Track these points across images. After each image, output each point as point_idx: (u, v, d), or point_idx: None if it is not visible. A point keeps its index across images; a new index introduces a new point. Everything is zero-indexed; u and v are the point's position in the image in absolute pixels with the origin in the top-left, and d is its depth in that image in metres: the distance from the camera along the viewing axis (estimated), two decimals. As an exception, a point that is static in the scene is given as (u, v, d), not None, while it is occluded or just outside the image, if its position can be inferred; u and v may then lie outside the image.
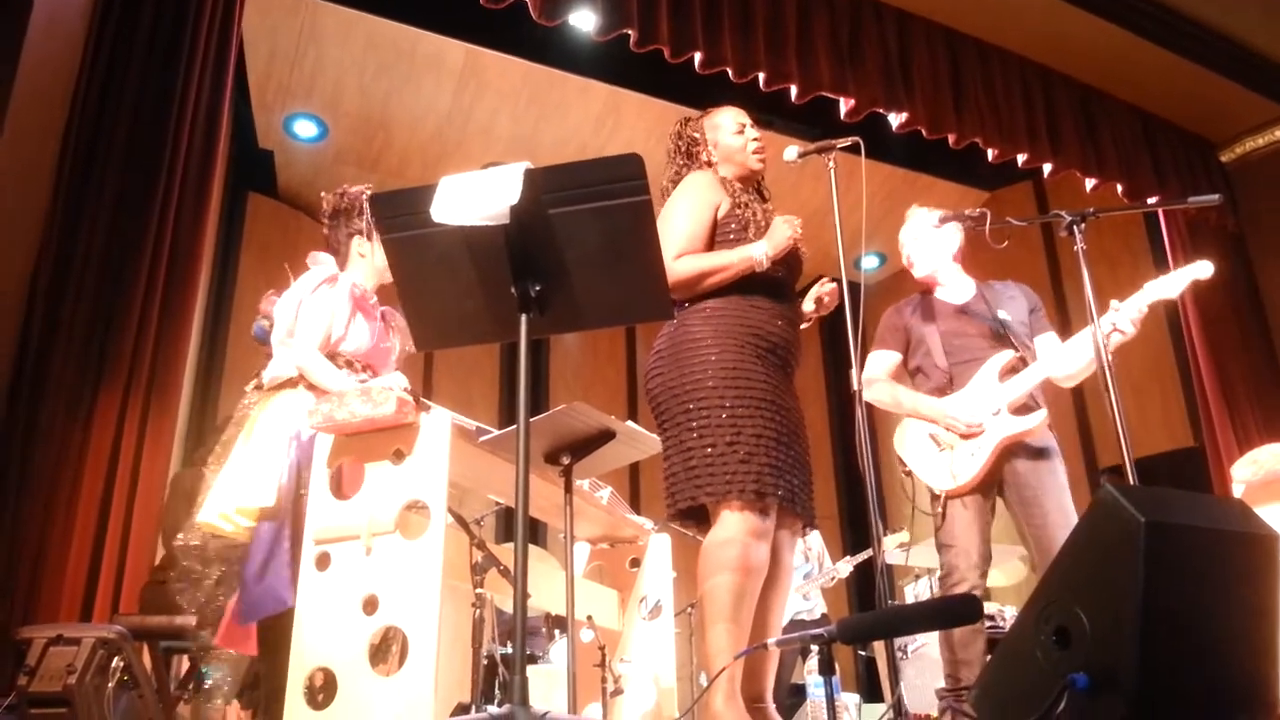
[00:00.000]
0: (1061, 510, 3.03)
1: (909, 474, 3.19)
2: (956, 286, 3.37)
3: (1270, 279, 6.21)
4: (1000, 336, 3.22)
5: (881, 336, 3.41)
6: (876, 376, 3.32)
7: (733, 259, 2.67)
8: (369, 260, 3.03)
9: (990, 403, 3.10)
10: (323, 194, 3.13)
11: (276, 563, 2.61)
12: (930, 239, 3.36)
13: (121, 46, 4.03)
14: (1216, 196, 3.05)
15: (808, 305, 2.89)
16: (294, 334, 2.83)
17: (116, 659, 2.74)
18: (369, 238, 2.99)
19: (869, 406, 3.02)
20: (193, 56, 4.14)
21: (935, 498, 3.09)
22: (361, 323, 2.94)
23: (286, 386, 2.82)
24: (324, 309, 2.85)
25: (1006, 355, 3.18)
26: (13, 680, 2.72)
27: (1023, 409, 3.10)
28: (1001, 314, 3.27)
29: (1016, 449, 3.08)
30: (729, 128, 2.90)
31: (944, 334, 3.26)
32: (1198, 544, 1.54)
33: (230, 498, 2.66)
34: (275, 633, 2.53)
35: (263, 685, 2.62)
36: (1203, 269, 3.07)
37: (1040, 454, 3.11)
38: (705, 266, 2.66)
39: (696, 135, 2.90)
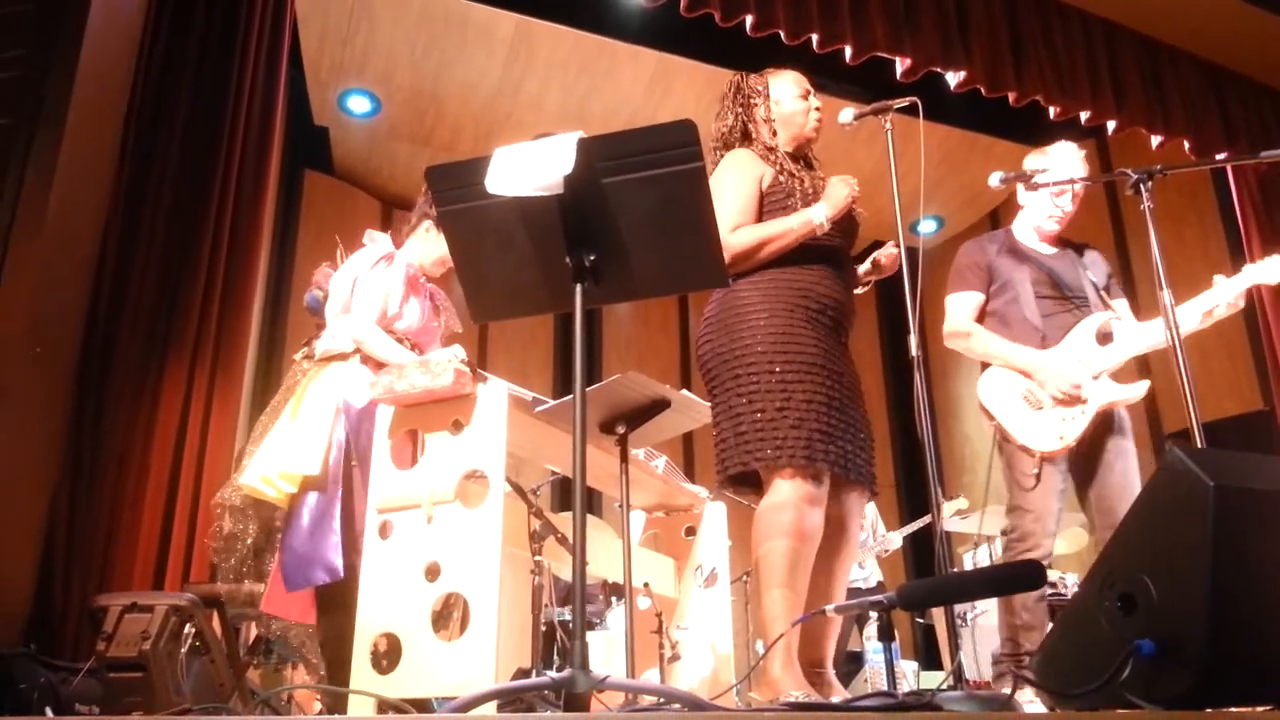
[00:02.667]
0: (1128, 476, 2.96)
1: (998, 430, 3.02)
2: (1046, 239, 3.25)
3: (1346, 235, 5.98)
4: (1087, 298, 3.12)
5: (961, 274, 3.21)
6: (963, 325, 3.14)
7: (792, 224, 2.65)
8: (428, 246, 3.07)
9: (1091, 365, 2.99)
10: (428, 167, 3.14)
11: (325, 531, 2.66)
12: (1041, 194, 3.20)
13: (178, 31, 4.10)
14: (1290, 150, 2.94)
15: (865, 266, 2.86)
16: (350, 309, 2.88)
17: (188, 625, 2.82)
18: (437, 225, 3.02)
19: (926, 372, 2.95)
20: (248, 37, 4.20)
21: (1029, 456, 2.95)
22: (414, 302, 2.99)
23: (338, 359, 2.87)
24: (381, 285, 2.90)
25: (1103, 316, 3.07)
26: (91, 645, 2.83)
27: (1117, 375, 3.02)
28: (1090, 275, 3.16)
29: (1103, 416, 2.99)
30: (793, 91, 2.87)
31: (1035, 283, 3.11)
32: (1268, 508, 1.50)
33: (274, 462, 2.72)
34: (333, 601, 2.59)
35: (324, 652, 2.68)
36: None
37: (1120, 422, 3.04)
38: (764, 235, 2.64)
39: (760, 88, 2.87)
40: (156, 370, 3.70)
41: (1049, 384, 2.98)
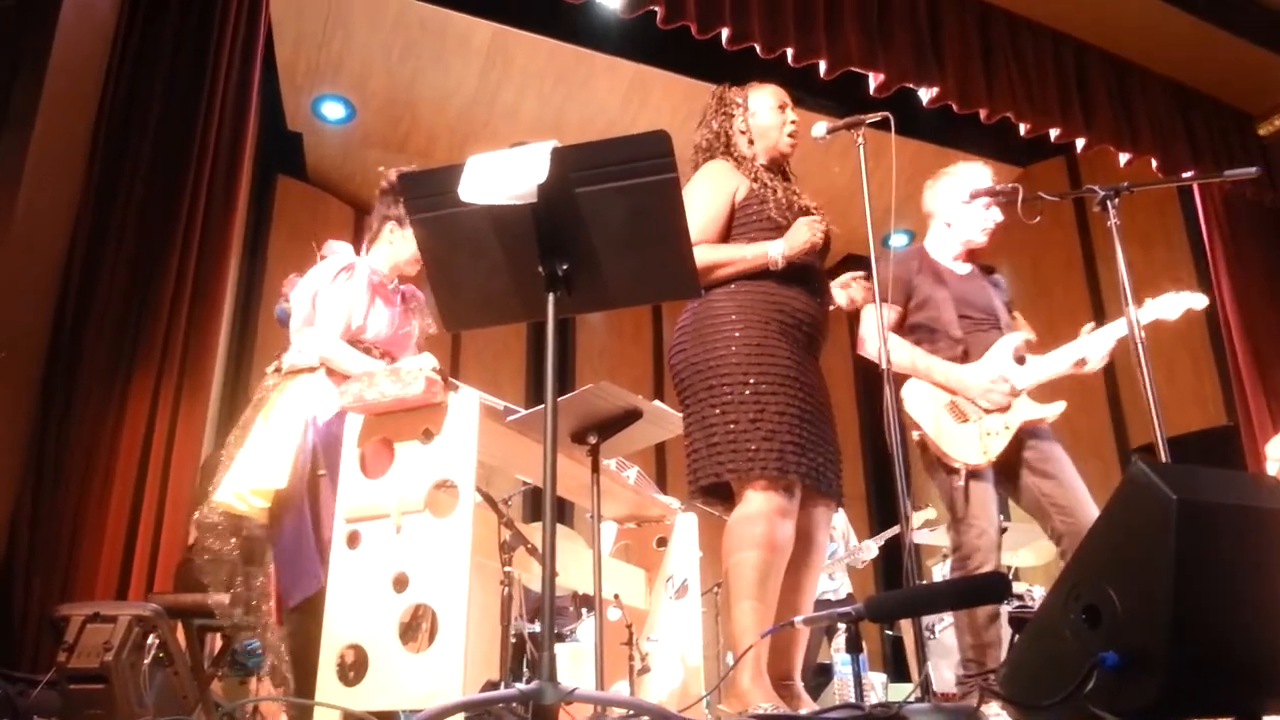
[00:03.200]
0: (1078, 481, 3.01)
1: (923, 442, 3.03)
2: (960, 258, 3.30)
3: (1309, 254, 6.09)
4: (999, 318, 3.18)
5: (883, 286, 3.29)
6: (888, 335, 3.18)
7: (746, 254, 2.67)
8: (395, 248, 3.04)
9: (1013, 383, 3.06)
10: (381, 169, 3.12)
11: (307, 543, 2.65)
12: (973, 207, 3.25)
13: (151, 33, 4.07)
14: (1254, 169, 3.01)
15: (838, 295, 2.87)
16: (312, 322, 2.85)
17: (152, 636, 2.79)
18: (402, 226, 3.01)
19: (897, 384, 2.97)
20: (221, 41, 4.17)
21: (954, 471, 2.97)
22: (381, 309, 2.96)
23: (304, 373, 2.84)
24: (344, 298, 2.87)
25: (1019, 337, 3.13)
26: (52, 656, 2.78)
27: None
28: (997, 297, 3.23)
29: (1025, 431, 3.05)
30: (770, 103, 2.90)
31: (956, 300, 3.15)
32: (1230, 522, 1.52)
33: (245, 478, 2.69)
34: (300, 611, 2.56)
35: (291, 662, 2.65)
36: (1199, 300, 3.06)
37: (1046, 434, 3.09)
38: (717, 259, 2.67)
39: (739, 100, 2.89)
40: (123, 377, 3.65)
41: (980, 397, 3.02)
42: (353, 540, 2.44)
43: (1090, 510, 2.92)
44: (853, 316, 3.12)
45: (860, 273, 2.81)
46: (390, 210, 3.04)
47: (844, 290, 2.88)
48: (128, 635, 2.72)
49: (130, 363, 3.68)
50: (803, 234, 2.66)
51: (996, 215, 3.27)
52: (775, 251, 2.65)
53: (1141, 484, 1.47)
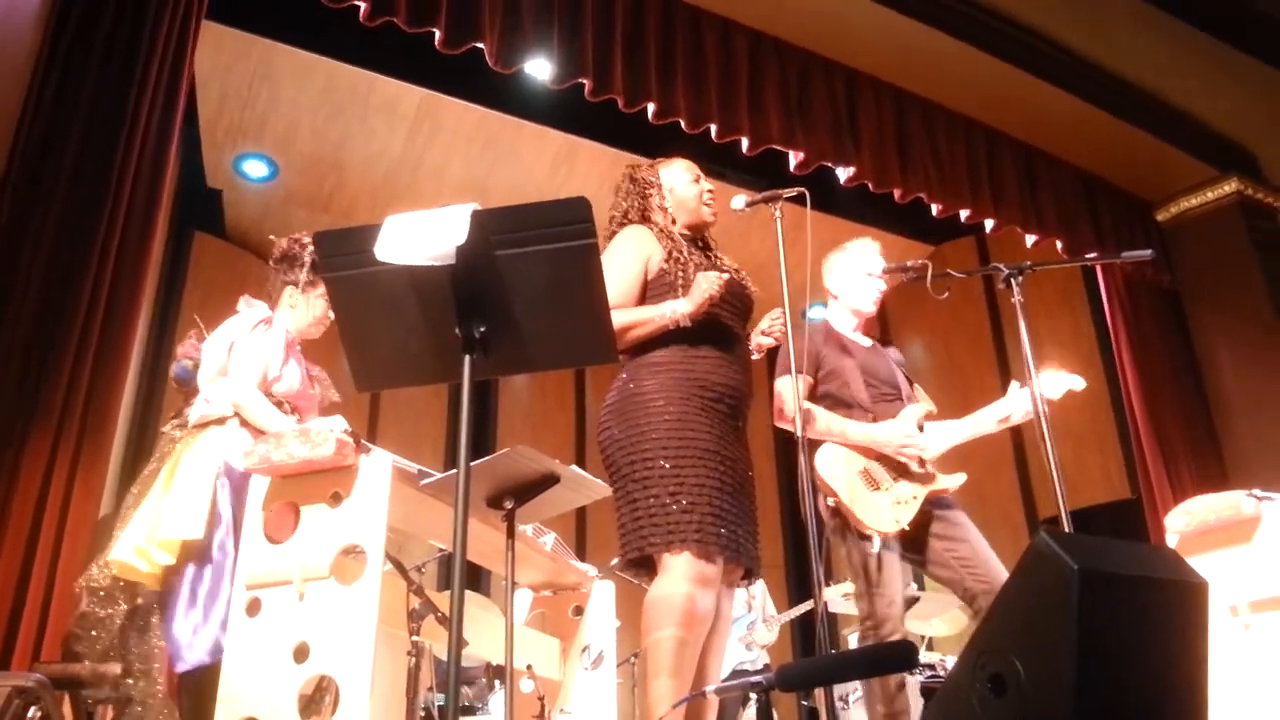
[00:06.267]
0: (985, 544, 3.08)
1: (838, 508, 3.04)
2: (861, 331, 3.41)
3: (1204, 335, 6.39)
4: (900, 389, 3.27)
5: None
6: (803, 404, 3.15)
7: (653, 315, 2.70)
8: (296, 313, 3.05)
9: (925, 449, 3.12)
10: (272, 237, 3.15)
11: (217, 607, 2.55)
12: (870, 280, 3.37)
13: (69, 82, 3.97)
14: (1148, 251, 3.17)
15: (760, 341, 2.91)
16: (228, 373, 2.80)
17: (34, 709, 2.62)
18: (303, 291, 3.02)
19: (811, 452, 2.99)
20: (142, 93, 4.09)
21: (867, 539, 2.99)
22: (293, 366, 2.94)
23: (214, 424, 2.77)
24: (261, 348, 2.83)
25: (922, 408, 3.21)
26: (-76, 730, 2.60)
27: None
28: (898, 370, 3.33)
29: (930, 501, 3.11)
30: (685, 176, 2.95)
31: (863, 370, 3.23)
32: (1130, 591, 1.55)
33: (149, 532, 2.59)
34: (197, 681, 2.45)
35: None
36: (1077, 382, 3.19)
37: (950, 503, 3.17)
38: (629, 321, 2.70)
39: (652, 180, 2.94)
40: (19, 437, 3.48)
41: (899, 448, 3.06)
42: (253, 608, 2.34)
43: (1000, 570, 2.98)
44: (768, 373, 3.15)
45: (776, 310, 2.83)
46: (287, 276, 3.06)
47: (762, 336, 2.90)
48: (7, 707, 2.55)
49: (26, 424, 3.51)
50: (702, 288, 2.69)
51: (882, 284, 3.39)
52: (681, 309, 2.68)
53: (1044, 554, 1.50)
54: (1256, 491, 2.98)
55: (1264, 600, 2.89)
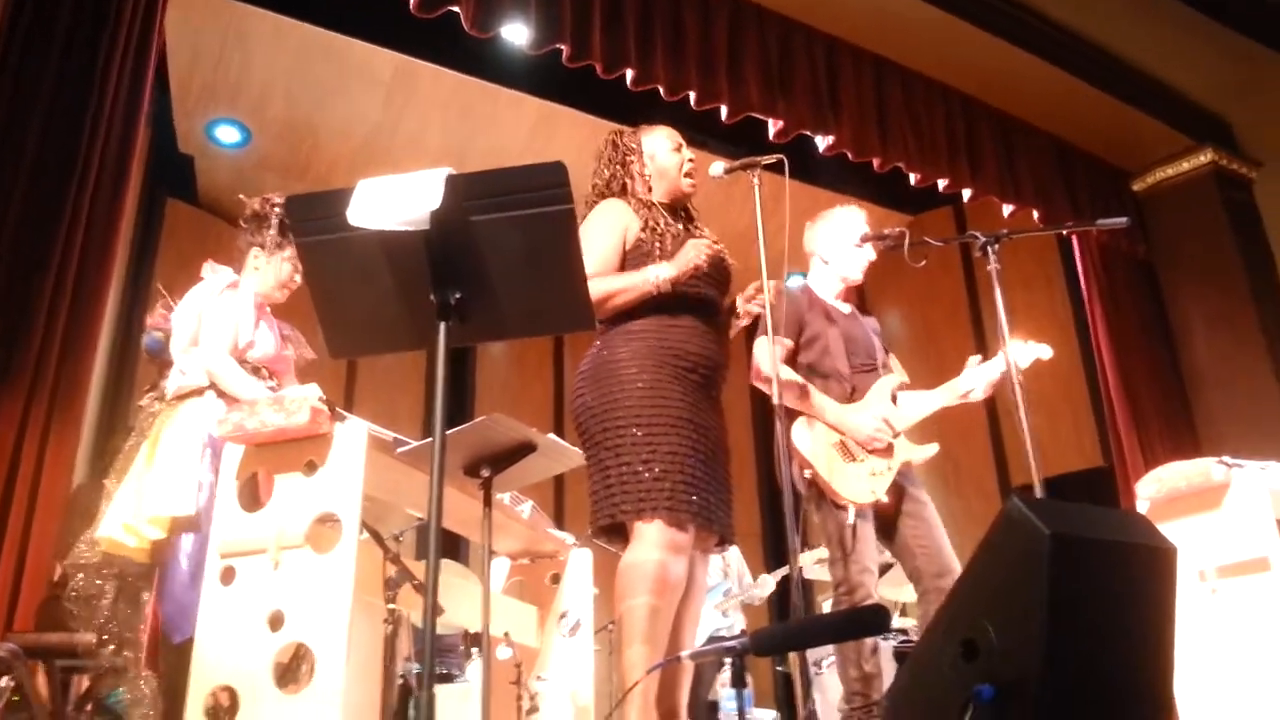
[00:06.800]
0: (939, 524, 3.14)
1: (814, 480, 3.08)
2: (844, 299, 3.42)
3: (1177, 304, 6.45)
4: (877, 359, 3.30)
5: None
6: (782, 371, 3.18)
7: (636, 281, 2.70)
8: (260, 275, 3.01)
9: (893, 422, 3.16)
10: (242, 197, 3.11)
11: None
12: (861, 248, 3.37)
13: (35, 46, 3.89)
14: (1123, 219, 3.18)
15: (746, 308, 2.91)
16: (199, 341, 2.77)
17: (6, 679, 2.61)
18: (269, 253, 2.98)
19: (788, 422, 3.00)
20: (110, 57, 4.01)
21: (843, 509, 3.04)
22: (265, 329, 2.91)
23: (193, 395, 2.74)
24: (230, 314, 2.80)
25: (895, 379, 3.25)
26: (-107, 701, 2.58)
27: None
28: (876, 339, 3.35)
29: (903, 471, 3.16)
30: (667, 145, 2.93)
31: (845, 338, 3.26)
32: (1101, 556, 1.57)
33: (139, 507, 2.57)
34: (177, 652, 2.45)
35: (166, 701, 2.53)
36: (1045, 351, 3.23)
37: (913, 478, 3.22)
38: (611, 289, 2.69)
39: (634, 146, 2.92)
40: (-11, 402, 3.44)
41: (866, 441, 3.10)
42: (227, 576, 2.33)
43: (951, 559, 3.05)
44: (750, 341, 3.15)
45: (757, 284, 2.83)
46: (254, 237, 3.02)
47: (746, 303, 2.90)
48: (-22, 676, 2.54)
49: (-3, 388, 3.47)
50: (689, 254, 2.69)
51: (871, 254, 3.40)
52: (663, 274, 2.67)
53: (1016, 519, 1.52)
54: (1226, 459, 3.02)
55: (1231, 565, 2.94)
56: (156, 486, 2.60)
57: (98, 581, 2.64)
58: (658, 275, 2.67)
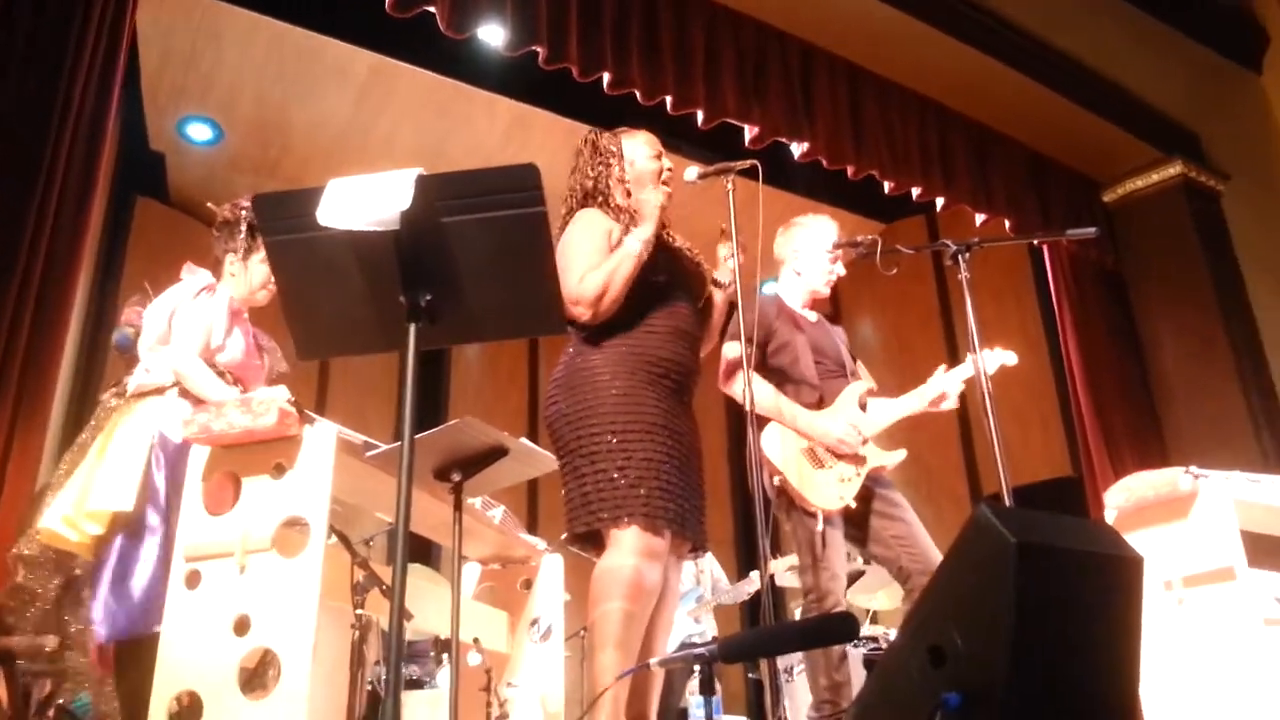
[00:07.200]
0: (920, 524, 3.15)
1: (783, 487, 3.09)
2: (808, 307, 3.44)
3: (1146, 315, 6.52)
4: (845, 366, 3.32)
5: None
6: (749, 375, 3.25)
7: (620, 256, 2.68)
8: (237, 281, 2.99)
9: (861, 429, 3.17)
10: (211, 205, 3.08)
11: (154, 578, 2.50)
12: (829, 259, 3.39)
13: (1, 40, 3.83)
14: (1092, 230, 3.21)
15: (720, 275, 2.91)
16: (168, 341, 2.74)
17: (-35, 683, 2.56)
18: (242, 258, 2.96)
19: (759, 427, 3.00)
20: (80, 53, 3.95)
21: (812, 516, 3.04)
22: (237, 335, 2.89)
23: (153, 394, 2.71)
24: (204, 316, 2.78)
25: (863, 385, 3.27)
26: None
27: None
28: (842, 347, 3.38)
29: (869, 478, 3.17)
30: (647, 152, 2.93)
31: (813, 347, 3.28)
32: (1067, 565, 1.57)
33: (79, 502, 2.53)
34: (135, 654, 2.41)
35: (121, 708, 2.49)
36: (1010, 357, 3.26)
37: (887, 482, 3.24)
38: (607, 270, 2.67)
39: (614, 149, 2.90)
40: (-48, 403, 3.38)
41: (835, 446, 3.12)
42: (192, 580, 2.30)
43: (934, 552, 3.05)
44: (719, 346, 3.15)
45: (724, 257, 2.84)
46: (229, 244, 3.00)
47: (720, 275, 2.91)
48: (-65, 682, 2.49)
49: (-39, 390, 3.41)
50: (651, 200, 2.72)
51: (840, 269, 3.42)
52: (641, 235, 2.68)
53: (984, 527, 1.52)
54: (1194, 469, 3.05)
55: (1198, 575, 2.97)
56: (100, 481, 2.56)
57: (40, 577, 2.60)
58: (637, 239, 2.67)
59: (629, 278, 2.67)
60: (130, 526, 2.54)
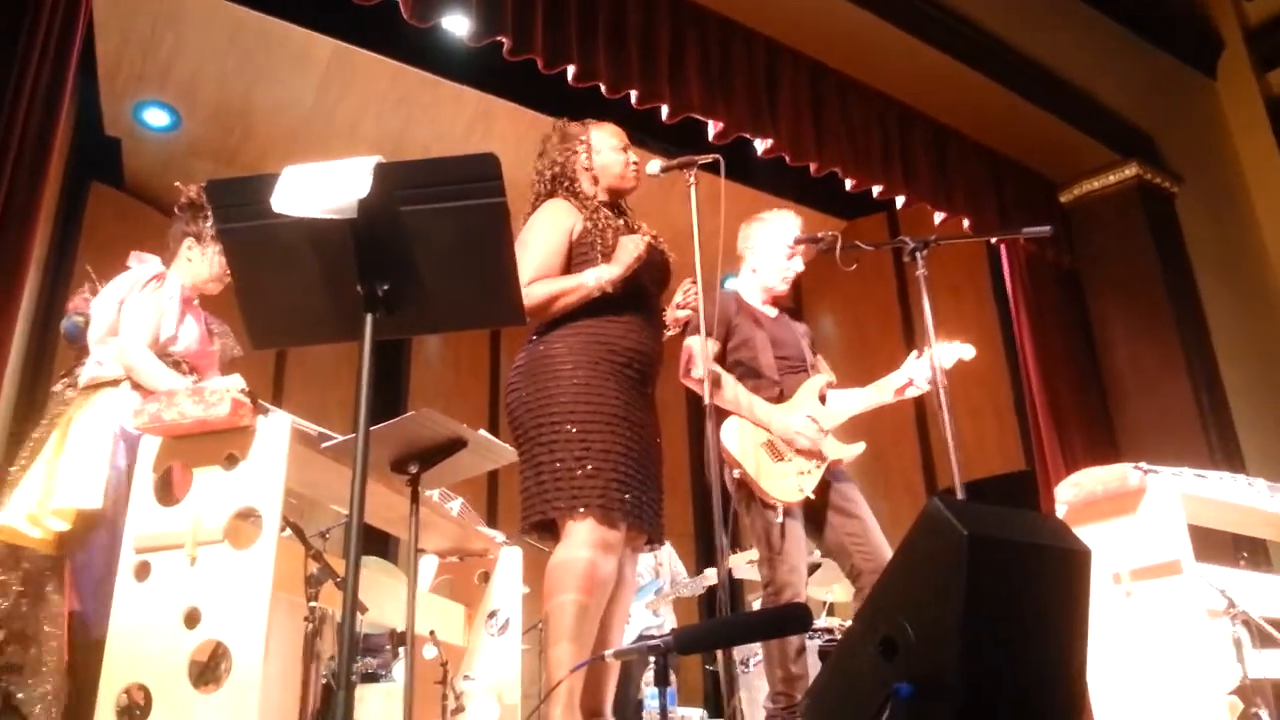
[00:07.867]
0: (874, 521, 3.18)
1: (742, 479, 3.11)
2: (768, 303, 3.46)
3: (1101, 314, 6.63)
4: (805, 360, 3.35)
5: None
6: (714, 368, 3.18)
7: (579, 282, 2.67)
8: (193, 266, 2.93)
9: (820, 422, 3.20)
10: (178, 184, 3.01)
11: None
12: (787, 256, 3.41)
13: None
14: (1047, 229, 3.26)
15: (672, 313, 2.92)
16: (118, 332, 2.68)
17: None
18: (201, 243, 2.90)
19: (719, 419, 3.01)
20: (33, 35, 3.86)
21: (771, 508, 3.07)
22: (190, 323, 2.83)
23: (108, 386, 2.66)
24: (153, 307, 2.72)
25: (822, 379, 3.30)
26: None
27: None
28: (803, 341, 3.40)
29: (828, 472, 3.20)
30: (612, 143, 2.92)
31: (773, 341, 3.31)
32: (1017, 557, 1.60)
33: (45, 498, 2.48)
34: (87, 649, 2.37)
35: (70, 702, 2.45)
36: (967, 351, 3.30)
37: (844, 476, 3.27)
38: (556, 290, 2.67)
39: (582, 138, 2.89)
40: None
41: (794, 439, 3.14)
42: (141, 571, 2.26)
43: (886, 550, 3.08)
44: (681, 340, 3.16)
45: (688, 281, 2.84)
46: (189, 227, 2.94)
47: (678, 310, 2.91)
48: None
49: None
50: (628, 250, 2.69)
51: (798, 266, 3.45)
52: (606, 275, 2.66)
53: (936, 520, 1.54)
54: (1142, 465, 3.11)
55: (1145, 568, 3.02)
56: (63, 477, 2.51)
57: (2, 574, 2.55)
58: (599, 277, 2.66)
59: (571, 307, 2.67)
60: (104, 523, 2.50)
